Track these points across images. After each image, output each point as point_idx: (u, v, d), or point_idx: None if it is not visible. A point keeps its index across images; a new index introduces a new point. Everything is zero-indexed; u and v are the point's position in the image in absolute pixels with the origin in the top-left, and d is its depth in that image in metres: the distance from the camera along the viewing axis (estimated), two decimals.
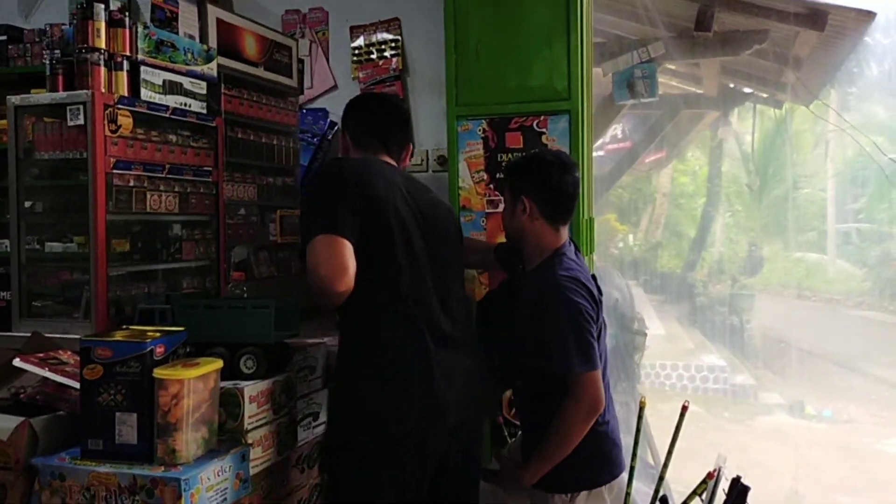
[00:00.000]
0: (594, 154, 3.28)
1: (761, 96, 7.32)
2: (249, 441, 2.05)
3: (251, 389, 2.09)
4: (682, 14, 4.75)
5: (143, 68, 2.65)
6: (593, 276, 2.22)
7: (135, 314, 2.39)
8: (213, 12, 3.06)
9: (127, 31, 2.60)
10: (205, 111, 2.92)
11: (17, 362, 2.03)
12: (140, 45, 2.63)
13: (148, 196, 2.68)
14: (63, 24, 2.94)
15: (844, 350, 8.49)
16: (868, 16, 4.62)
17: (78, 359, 1.88)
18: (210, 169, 2.95)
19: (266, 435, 2.13)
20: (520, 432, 2.46)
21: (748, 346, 8.92)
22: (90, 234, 2.50)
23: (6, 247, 2.76)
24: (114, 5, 2.65)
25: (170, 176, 2.76)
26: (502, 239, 2.90)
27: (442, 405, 2.01)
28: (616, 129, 7.78)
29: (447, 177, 3.09)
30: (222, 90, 3.05)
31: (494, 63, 3.01)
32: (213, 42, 3.02)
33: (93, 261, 2.49)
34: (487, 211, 3.02)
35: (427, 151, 3.60)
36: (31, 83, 2.87)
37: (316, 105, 3.86)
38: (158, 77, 2.71)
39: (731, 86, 6.98)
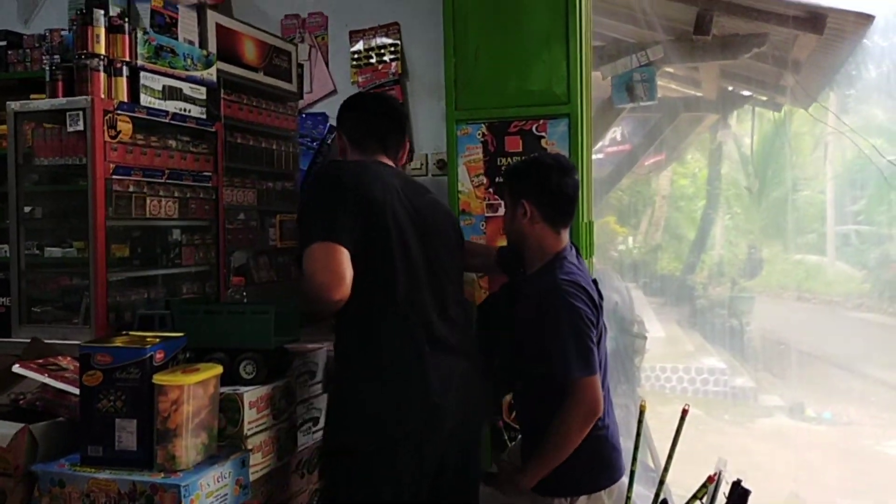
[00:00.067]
0: (593, 157, 3.29)
1: (760, 99, 7.32)
2: (249, 446, 2.05)
3: (251, 395, 2.08)
4: (681, 18, 4.75)
5: (142, 74, 2.65)
6: (594, 281, 2.22)
7: (134, 320, 2.39)
8: (213, 17, 3.06)
9: (126, 36, 2.60)
10: (204, 116, 2.92)
11: (16, 368, 2.03)
12: (139, 50, 2.64)
13: (147, 201, 2.68)
14: (63, 30, 2.95)
15: (844, 352, 8.47)
16: (867, 19, 4.62)
17: (77, 365, 1.88)
18: (210, 174, 2.95)
19: (266, 440, 2.13)
20: (519, 436, 2.46)
21: (748, 349, 8.90)
22: (90, 239, 2.50)
23: (6, 252, 2.76)
24: (113, 11, 2.66)
25: (169, 181, 2.76)
26: (503, 243, 2.91)
27: (439, 409, 2.01)
28: (615, 132, 7.78)
29: (447, 181, 3.10)
30: (222, 95, 3.06)
31: (494, 67, 3.01)
32: (212, 47, 3.02)
33: (92, 266, 2.49)
34: (487, 215, 3.02)
35: (426, 155, 3.60)
36: (31, 88, 2.88)
37: (315, 109, 3.86)
38: (158, 82, 2.71)
39: (731, 89, 6.98)
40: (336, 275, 1.89)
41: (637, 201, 10.64)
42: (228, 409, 2.04)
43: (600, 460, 2.15)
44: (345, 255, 1.91)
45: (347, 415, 2.05)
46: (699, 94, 6.85)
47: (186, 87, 2.84)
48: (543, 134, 2.96)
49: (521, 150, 2.97)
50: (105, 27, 2.56)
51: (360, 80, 3.77)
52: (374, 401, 2.00)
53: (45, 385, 2.01)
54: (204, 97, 2.92)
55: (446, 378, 2.04)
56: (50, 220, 2.76)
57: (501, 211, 2.95)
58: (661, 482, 2.41)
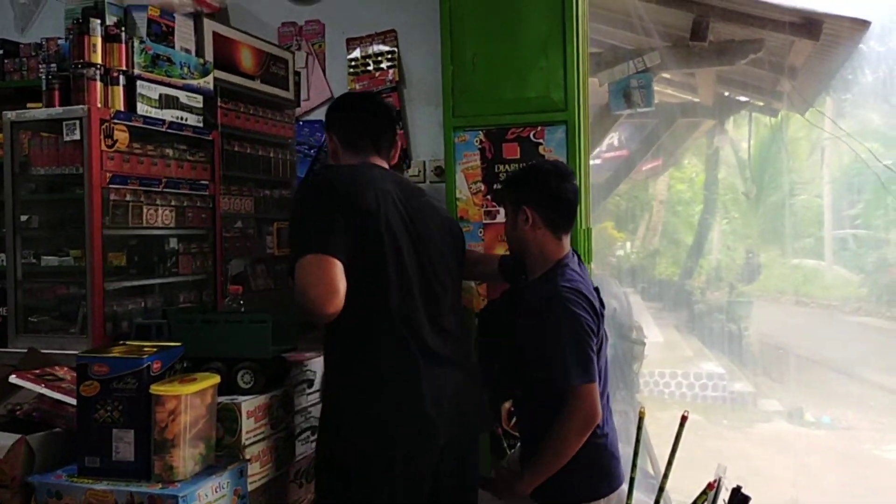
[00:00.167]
0: (591, 163, 3.29)
1: (757, 105, 7.34)
2: (247, 456, 2.04)
3: (249, 404, 2.08)
4: (678, 24, 4.77)
5: (139, 83, 2.65)
6: (596, 289, 2.21)
7: (131, 329, 2.39)
8: (210, 26, 3.06)
9: (123, 45, 2.60)
10: (201, 125, 2.92)
11: (13, 379, 2.02)
12: (136, 59, 2.64)
13: (144, 210, 2.68)
14: (59, 38, 2.95)
15: (842, 356, 8.48)
16: (863, 25, 4.64)
17: (74, 375, 1.88)
18: (206, 182, 2.95)
19: (264, 450, 2.13)
20: (519, 444, 2.45)
21: (746, 354, 8.91)
22: (86, 248, 2.50)
23: (2, 261, 2.75)
24: (110, 20, 2.66)
25: (166, 190, 2.76)
26: (501, 250, 2.90)
27: (433, 423, 1.99)
28: (612, 138, 7.79)
29: (444, 188, 3.09)
30: (219, 103, 3.05)
31: (491, 74, 3.01)
32: (209, 55, 3.02)
33: (89, 275, 2.49)
34: (485, 222, 3.02)
35: (424, 162, 3.60)
36: (27, 97, 2.88)
37: (312, 117, 3.86)
38: (155, 91, 2.71)
39: (727, 94, 7.00)
40: (329, 288, 1.86)
41: (635, 206, 10.65)
42: (226, 419, 2.03)
43: (599, 469, 2.14)
44: (338, 268, 1.88)
45: (340, 429, 2.02)
46: (696, 99, 6.87)
47: (183, 96, 2.84)
48: (541, 141, 2.96)
49: (518, 156, 2.97)
50: (101, 36, 2.56)
51: (357, 87, 3.77)
52: (367, 415, 1.98)
53: (41, 395, 2.01)
54: (201, 105, 2.92)
55: (440, 391, 2.01)
56: (46, 228, 2.75)
57: (499, 218, 2.96)
58: (661, 489, 2.40)
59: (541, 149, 2.96)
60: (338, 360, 2.06)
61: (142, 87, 2.66)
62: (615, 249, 9.87)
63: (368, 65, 3.73)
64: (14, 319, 2.64)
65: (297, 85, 3.70)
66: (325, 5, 3.83)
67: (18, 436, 1.85)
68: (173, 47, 2.86)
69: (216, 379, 1.93)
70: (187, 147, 2.89)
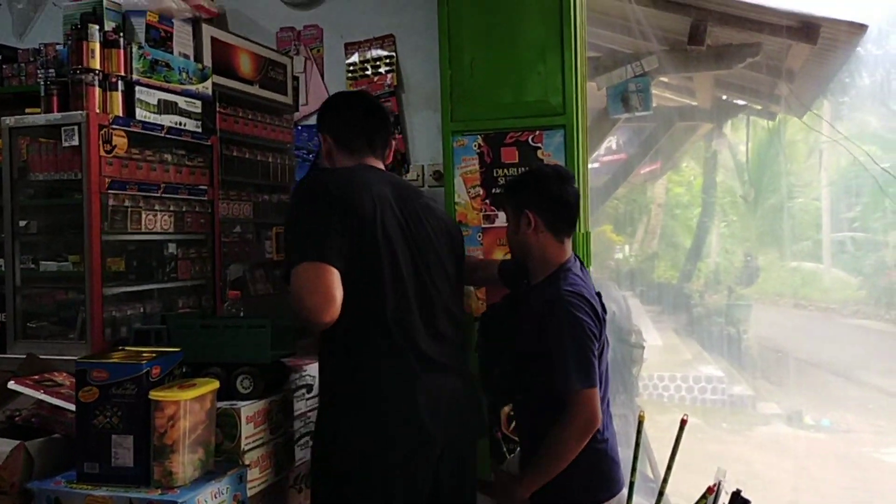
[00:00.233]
0: (589, 166, 3.29)
1: (755, 108, 7.34)
2: (247, 462, 2.04)
3: (248, 410, 2.08)
4: (675, 28, 4.77)
5: (137, 88, 2.65)
6: (598, 294, 2.21)
7: (130, 334, 2.39)
8: (208, 31, 3.07)
9: (121, 51, 2.60)
10: (200, 130, 2.92)
11: (11, 385, 2.02)
12: (135, 65, 2.64)
13: (143, 215, 2.68)
14: (57, 44, 2.95)
15: (841, 359, 8.48)
16: (860, 28, 4.64)
17: (73, 380, 1.88)
18: (205, 187, 2.95)
19: (263, 455, 2.13)
20: (518, 449, 2.45)
21: (745, 357, 8.90)
22: (85, 253, 2.50)
23: (1, 267, 2.75)
24: (108, 26, 2.66)
25: (165, 195, 2.76)
26: (500, 254, 2.91)
27: (428, 432, 1.97)
28: (611, 142, 7.79)
29: (443, 192, 3.09)
30: (217, 108, 3.06)
31: (489, 79, 3.02)
32: (207, 61, 3.03)
33: (88, 280, 2.49)
34: (484, 226, 3.02)
35: (423, 167, 3.60)
36: (26, 103, 2.88)
37: (311, 122, 3.86)
38: (153, 97, 2.71)
39: (725, 98, 7.00)
40: (326, 297, 1.84)
41: (633, 210, 10.66)
42: (225, 425, 2.03)
43: (599, 474, 2.14)
44: (335, 276, 1.86)
45: (336, 439, 2.01)
46: (694, 103, 6.87)
47: (182, 101, 2.84)
48: (539, 145, 2.96)
49: (517, 161, 2.98)
50: (100, 42, 2.56)
51: None
52: (363, 424, 1.96)
53: (40, 401, 2.01)
54: (199, 111, 2.92)
55: (435, 399, 2.00)
56: (45, 234, 2.75)
57: (498, 222, 2.96)
58: (661, 493, 2.40)
59: (539, 153, 2.96)
60: (333, 367, 2.05)
61: (140, 93, 2.66)
62: (614, 253, 9.88)
63: (367, 69, 3.74)
64: (13, 325, 2.64)
65: (296, 90, 3.70)
66: (324, 10, 3.84)
67: (17, 442, 1.85)
68: (172, 53, 2.86)
69: (215, 384, 1.93)
70: (186, 152, 2.89)
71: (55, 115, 2.55)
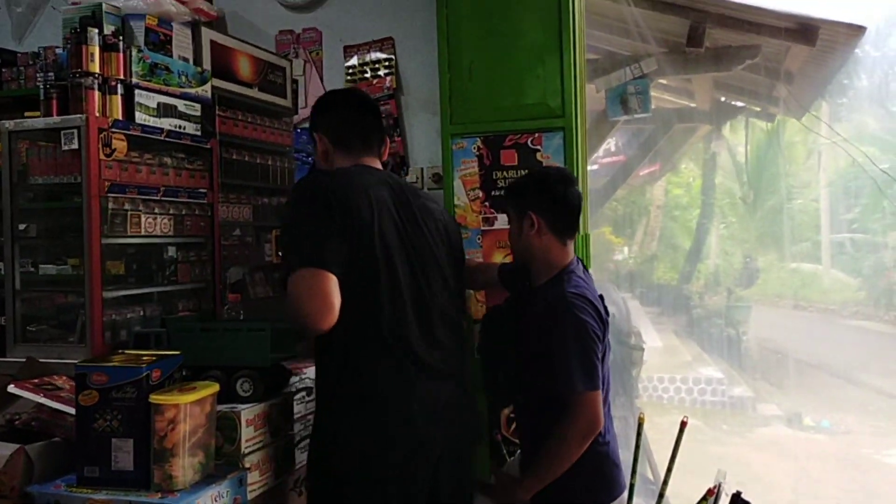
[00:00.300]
0: (588, 168, 3.29)
1: (754, 110, 7.35)
2: (247, 465, 2.04)
3: (248, 413, 2.08)
4: (674, 30, 4.78)
5: (137, 91, 2.66)
6: (601, 297, 2.21)
7: (130, 338, 2.39)
8: (207, 34, 3.07)
9: (121, 54, 2.61)
10: (199, 133, 2.92)
11: (11, 388, 2.02)
12: (134, 68, 2.65)
13: (143, 218, 2.68)
14: (57, 47, 2.95)
15: (841, 360, 8.48)
16: (859, 30, 4.65)
17: (73, 384, 1.88)
18: (205, 191, 2.95)
19: (263, 458, 2.12)
20: (518, 451, 2.45)
21: (745, 358, 8.90)
22: (85, 257, 2.50)
23: (1, 270, 2.75)
24: (107, 29, 2.67)
25: (164, 198, 2.76)
26: (499, 257, 2.91)
27: (424, 441, 1.96)
28: (610, 144, 7.80)
29: (442, 195, 3.09)
30: (217, 112, 3.06)
31: (488, 81, 3.02)
32: (207, 64, 3.03)
33: (88, 284, 2.49)
34: (483, 228, 3.02)
35: (422, 169, 3.60)
36: (25, 106, 2.88)
37: None
38: (153, 100, 2.72)
39: (724, 100, 7.01)
40: (324, 304, 1.82)
41: (632, 212, 10.65)
42: (225, 428, 2.03)
43: (601, 476, 2.14)
44: (333, 283, 1.84)
45: (334, 440, 1.99)
46: (693, 105, 6.87)
47: (181, 104, 2.84)
48: (539, 147, 2.96)
49: (516, 163, 2.98)
50: (99, 45, 2.57)
51: None
52: (360, 427, 1.95)
53: (40, 405, 2.01)
54: (199, 114, 2.93)
55: (431, 406, 1.98)
56: (45, 237, 2.76)
57: (498, 224, 2.96)
58: (661, 495, 2.40)
59: (538, 155, 2.96)
60: (329, 372, 2.03)
61: (140, 96, 2.67)
62: (613, 255, 9.87)
63: (366, 72, 3.74)
64: (12, 328, 2.64)
65: (295, 93, 3.71)
66: (323, 13, 3.85)
67: (17, 446, 1.85)
68: (171, 56, 2.86)
69: (215, 387, 1.93)
70: (185, 155, 2.89)
71: (55, 119, 2.55)
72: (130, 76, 2.64)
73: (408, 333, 1.98)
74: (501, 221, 2.94)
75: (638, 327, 5.08)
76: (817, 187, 9.65)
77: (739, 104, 7.17)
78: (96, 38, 2.56)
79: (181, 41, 2.94)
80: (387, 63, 3.70)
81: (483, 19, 3.02)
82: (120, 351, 2.06)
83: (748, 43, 4.84)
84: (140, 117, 2.66)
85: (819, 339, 9.52)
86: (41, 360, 2.36)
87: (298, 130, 3.79)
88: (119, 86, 2.60)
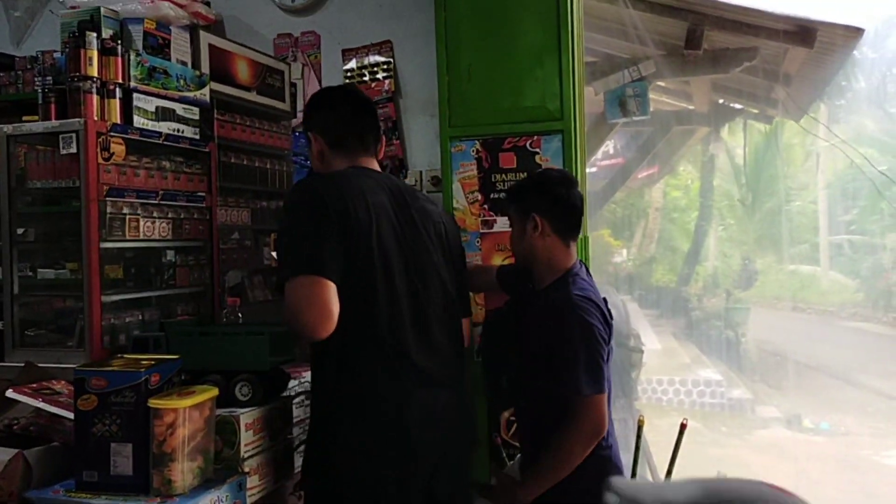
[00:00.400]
0: (587, 170, 3.29)
1: (752, 112, 7.36)
2: (246, 469, 2.04)
3: (247, 417, 2.07)
4: (672, 33, 4.78)
5: (135, 95, 2.65)
6: (604, 300, 2.21)
7: (129, 342, 2.38)
8: (205, 38, 3.07)
9: (119, 58, 2.61)
10: (198, 136, 2.92)
11: (10, 393, 2.01)
12: (132, 72, 2.64)
13: (141, 222, 2.68)
14: (55, 51, 2.96)
15: (840, 362, 8.49)
16: (857, 32, 4.65)
17: (72, 389, 1.87)
18: (203, 194, 2.94)
19: (263, 462, 2.12)
20: (518, 455, 2.44)
21: (744, 360, 8.90)
22: (83, 261, 2.50)
23: None
24: (106, 33, 2.66)
25: (163, 202, 2.75)
26: (498, 259, 2.91)
27: (419, 449, 1.94)
28: (608, 146, 7.81)
29: (441, 197, 3.09)
30: (215, 115, 3.06)
31: (487, 84, 3.02)
32: (205, 68, 3.03)
33: (86, 288, 2.48)
34: (482, 231, 3.02)
35: (421, 172, 3.60)
36: (23, 110, 2.88)
37: None
38: (151, 104, 2.71)
39: (722, 102, 7.02)
40: (323, 313, 1.81)
41: (631, 214, 10.67)
42: (225, 432, 2.02)
43: (603, 480, 2.13)
44: (332, 291, 1.82)
45: (328, 453, 1.97)
46: (691, 107, 6.88)
47: (180, 108, 2.84)
48: (537, 150, 2.96)
49: (515, 166, 2.98)
50: (98, 49, 2.57)
51: None
52: (354, 441, 1.93)
53: (39, 410, 2.00)
54: (197, 117, 2.92)
55: (428, 413, 1.96)
56: (43, 241, 2.75)
57: (497, 227, 2.96)
58: None
59: (537, 158, 2.96)
60: (324, 379, 2.00)
61: (138, 100, 2.66)
62: (612, 257, 9.87)
63: (364, 75, 3.74)
64: (11, 333, 2.64)
65: (294, 96, 3.71)
66: (321, 16, 3.85)
67: (16, 450, 1.84)
68: (169, 60, 2.86)
69: (214, 391, 1.92)
70: (184, 159, 2.89)
71: (53, 123, 2.55)
72: (129, 80, 2.64)
73: (405, 340, 1.96)
74: (500, 224, 2.94)
75: (637, 329, 5.07)
76: (815, 189, 9.66)
77: (738, 106, 7.18)
78: (95, 41, 2.56)
79: (179, 45, 2.94)
80: (385, 66, 3.70)
81: (481, 22, 3.02)
82: (119, 355, 2.05)
83: (746, 45, 4.85)
84: (138, 121, 2.66)
85: (818, 340, 9.53)
86: (40, 365, 2.35)
87: (297, 134, 3.79)
88: (117, 89, 2.60)
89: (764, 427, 7.55)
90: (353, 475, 1.93)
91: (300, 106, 3.83)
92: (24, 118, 2.75)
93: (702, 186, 10.14)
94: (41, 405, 1.99)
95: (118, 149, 2.55)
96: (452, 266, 2.18)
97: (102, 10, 2.71)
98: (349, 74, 3.77)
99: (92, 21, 2.68)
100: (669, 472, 2.40)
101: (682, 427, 2.40)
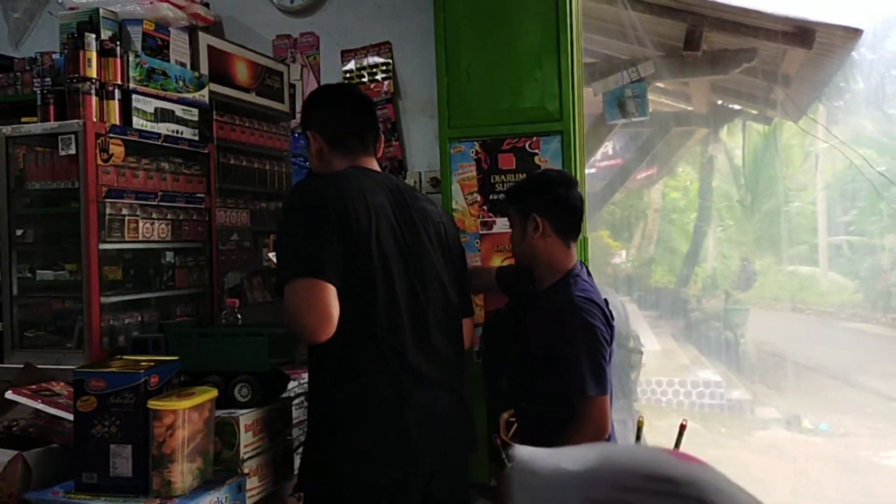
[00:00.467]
0: (586, 171, 3.30)
1: (751, 113, 7.38)
2: (246, 470, 2.03)
3: (247, 418, 2.07)
4: (671, 34, 4.79)
5: (134, 96, 2.65)
6: (605, 301, 2.21)
7: (128, 343, 2.38)
8: (205, 39, 3.07)
9: (118, 59, 2.60)
10: (197, 138, 2.91)
11: (9, 394, 2.01)
12: (131, 73, 2.64)
13: (140, 224, 2.67)
14: (54, 53, 2.95)
15: (839, 363, 8.50)
16: (855, 33, 4.67)
17: (71, 390, 1.87)
18: (202, 195, 2.94)
19: (262, 464, 2.12)
20: None
21: (743, 361, 8.91)
22: (82, 262, 2.49)
23: None
24: (105, 34, 2.66)
25: (162, 203, 2.75)
26: (498, 260, 2.91)
27: (417, 453, 1.94)
28: (607, 147, 7.82)
29: (440, 199, 3.09)
30: (214, 116, 3.05)
31: (486, 85, 3.02)
32: (204, 69, 3.03)
33: (85, 289, 2.48)
34: (481, 232, 3.02)
35: (420, 174, 3.60)
36: (22, 112, 2.88)
37: None
38: (150, 105, 2.71)
39: (721, 103, 7.03)
40: (323, 316, 1.80)
41: (630, 215, 10.68)
42: (224, 433, 2.02)
43: None
44: (332, 294, 1.81)
45: (326, 457, 1.97)
46: (690, 108, 6.90)
47: (178, 109, 2.84)
48: (537, 151, 2.96)
49: (514, 167, 2.98)
50: (96, 51, 2.56)
51: None
52: (352, 444, 1.92)
53: (38, 411, 2.00)
54: (196, 119, 2.92)
55: (426, 416, 1.95)
56: (42, 243, 2.74)
57: (496, 228, 2.96)
58: None
59: (536, 159, 2.96)
60: (323, 381, 1.99)
61: (137, 101, 2.66)
62: (611, 258, 9.88)
63: (363, 76, 3.74)
64: (10, 334, 2.63)
65: (293, 97, 3.70)
66: (320, 18, 3.84)
67: (15, 452, 1.84)
68: (168, 61, 2.86)
69: (214, 393, 1.92)
70: (183, 160, 2.88)
71: (52, 124, 2.54)
72: (128, 81, 2.63)
73: (403, 343, 1.95)
74: (500, 225, 2.94)
75: (636, 331, 5.08)
76: (814, 190, 9.68)
77: (736, 107, 7.20)
78: (93, 43, 2.55)
79: (178, 46, 2.94)
80: (384, 67, 3.70)
81: (481, 22, 3.02)
82: (118, 356, 2.05)
83: (745, 46, 4.86)
84: (137, 122, 2.66)
85: (817, 341, 9.54)
86: (39, 366, 2.35)
87: (296, 135, 3.79)
88: (116, 91, 2.59)
89: (763, 428, 7.56)
90: (353, 476, 1.93)
91: (299, 107, 3.83)
92: (23, 119, 2.74)
93: (701, 187, 10.16)
94: (40, 406, 1.99)
95: (117, 150, 2.54)
96: (452, 266, 2.16)
97: (101, 11, 2.70)
98: (348, 75, 3.77)
99: (91, 22, 2.67)
100: None
101: (682, 428, 2.40)
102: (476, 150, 3.02)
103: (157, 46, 2.83)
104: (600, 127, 5.38)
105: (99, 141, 2.48)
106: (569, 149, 2.93)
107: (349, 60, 3.77)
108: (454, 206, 3.04)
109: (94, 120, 2.51)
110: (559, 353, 2.05)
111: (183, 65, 2.94)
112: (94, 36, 2.57)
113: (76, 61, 2.53)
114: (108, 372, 1.82)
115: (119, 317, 2.64)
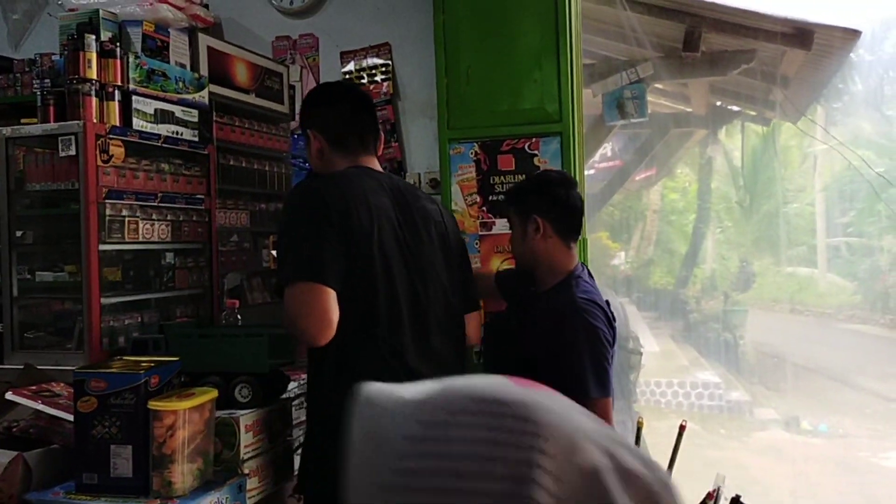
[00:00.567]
0: (585, 173, 3.30)
1: (749, 114, 7.39)
2: (246, 471, 2.03)
3: (247, 418, 2.07)
4: (670, 35, 4.80)
5: (134, 98, 2.64)
6: (607, 302, 2.21)
7: (128, 344, 2.38)
8: (204, 40, 3.07)
9: (118, 61, 2.60)
10: (196, 139, 2.91)
11: (9, 395, 2.01)
12: (131, 74, 2.63)
13: (140, 225, 2.67)
14: (53, 54, 2.95)
15: (838, 364, 8.51)
16: (854, 35, 4.68)
17: (71, 391, 1.87)
18: (202, 196, 2.94)
19: (262, 464, 2.12)
20: None
21: (742, 362, 8.92)
22: (82, 263, 2.48)
23: None
24: (104, 36, 2.66)
25: (162, 204, 2.75)
26: (497, 261, 2.91)
27: None
28: (606, 148, 7.83)
29: (440, 200, 3.09)
30: (214, 118, 3.05)
31: (485, 86, 3.02)
32: (204, 70, 3.03)
33: (85, 290, 2.47)
34: (481, 233, 3.02)
35: (419, 175, 3.60)
36: (22, 113, 2.88)
37: None
38: (150, 106, 2.71)
39: (720, 104, 7.04)
40: (322, 321, 1.79)
41: (629, 216, 10.69)
42: (224, 433, 2.02)
43: None
44: (332, 298, 1.80)
45: (328, 459, 1.95)
46: (689, 109, 6.91)
47: (178, 110, 2.84)
48: (536, 152, 2.97)
49: (513, 168, 2.98)
50: (96, 52, 2.56)
51: None
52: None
53: (38, 412, 2.00)
54: (196, 120, 2.92)
55: None
56: (42, 244, 2.74)
57: (496, 229, 2.97)
58: None
59: (536, 160, 2.97)
60: (322, 383, 1.98)
61: (137, 102, 2.66)
62: (610, 259, 9.89)
63: (363, 78, 3.74)
64: (10, 335, 2.63)
65: (292, 98, 3.70)
66: (319, 19, 3.85)
67: (15, 453, 1.84)
68: (168, 62, 2.86)
69: (214, 393, 1.92)
70: (183, 161, 2.88)
71: (52, 125, 2.54)
72: (128, 82, 2.63)
73: (403, 345, 1.95)
74: (499, 226, 2.95)
75: (635, 332, 5.08)
76: (813, 191, 9.70)
77: (735, 108, 7.21)
78: (93, 44, 2.55)
79: (178, 47, 2.94)
80: (384, 68, 3.70)
81: (480, 24, 3.03)
82: (118, 357, 2.05)
83: (744, 47, 4.87)
84: (137, 123, 2.65)
85: (815, 342, 9.56)
86: (39, 367, 2.35)
87: (296, 136, 3.79)
88: (116, 92, 2.59)
89: (762, 429, 7.57)
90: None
91: (298, 108, 3.83)
92: (23, 121, 2.74)
93: (699, 189, 10.17)
94: (41, 407, 1.99)
95: (117, 151, 2.54)
96: (454, 265, 2.16)
97: (101, 12, 2.70)
98: (348, 77, 3.77)
99: (90, 23, 2.67)
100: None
101: (681, 429, 2.40)
102: (475, 152, 3.02)
103: (156, 48, 2.83)
104: (599, 128, 5.39)
105: (99, 142, 2.48)
106: (568, 150, 2.93)
107: (348, 62, 3.77)
108: (454, 206, 3.04)
109: (94, 121, 2.51)
110: (561, 355, 2.05)
111: (183, 66, 2.94)
112: (93, 37, 2.57)
113: (76, 62, 2.53)
114: (109, 372, 1.82)
115: (119, 318, 2.64)
